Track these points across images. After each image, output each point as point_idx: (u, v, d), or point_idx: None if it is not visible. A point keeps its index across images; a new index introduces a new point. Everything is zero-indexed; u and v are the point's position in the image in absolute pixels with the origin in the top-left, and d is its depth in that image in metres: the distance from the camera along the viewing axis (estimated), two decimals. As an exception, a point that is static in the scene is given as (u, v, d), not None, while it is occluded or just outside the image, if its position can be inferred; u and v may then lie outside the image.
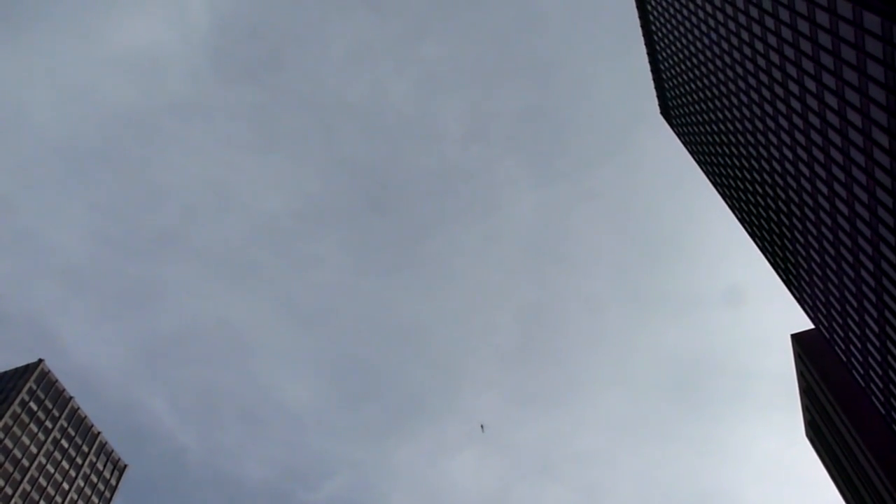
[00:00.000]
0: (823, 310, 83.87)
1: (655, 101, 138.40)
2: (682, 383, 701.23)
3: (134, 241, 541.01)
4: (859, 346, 75.01)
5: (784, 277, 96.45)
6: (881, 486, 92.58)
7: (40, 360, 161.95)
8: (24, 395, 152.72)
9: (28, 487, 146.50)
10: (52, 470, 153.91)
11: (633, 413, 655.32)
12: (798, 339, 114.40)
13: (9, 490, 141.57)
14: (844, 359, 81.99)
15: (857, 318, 73.02)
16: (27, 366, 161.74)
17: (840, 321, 78.90)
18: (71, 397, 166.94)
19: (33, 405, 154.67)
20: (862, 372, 77.19)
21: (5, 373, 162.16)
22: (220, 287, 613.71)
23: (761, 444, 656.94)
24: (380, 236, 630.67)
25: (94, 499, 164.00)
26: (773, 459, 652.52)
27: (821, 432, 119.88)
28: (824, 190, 71.03)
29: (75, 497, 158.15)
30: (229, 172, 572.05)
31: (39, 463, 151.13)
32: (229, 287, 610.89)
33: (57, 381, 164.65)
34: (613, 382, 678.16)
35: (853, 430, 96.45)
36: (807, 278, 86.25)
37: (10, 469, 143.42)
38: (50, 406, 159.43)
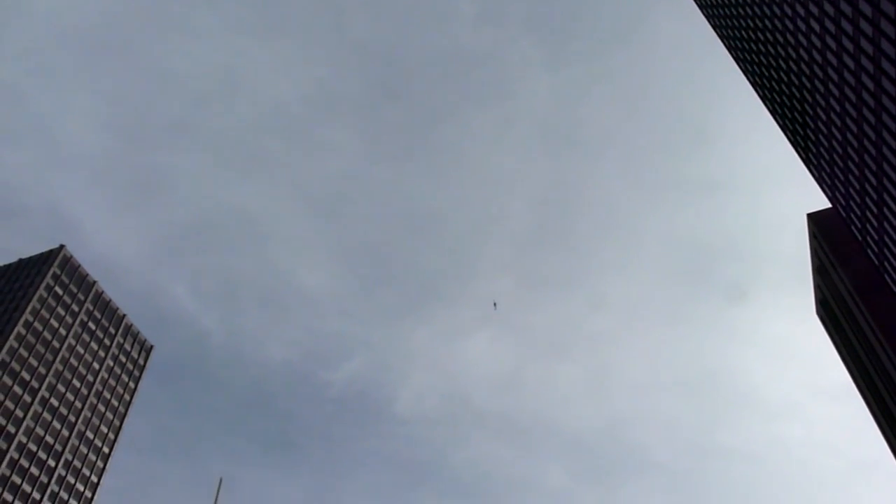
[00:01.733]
0: (842, 188, 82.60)
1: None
2: (694, 267, 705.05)
3: (145, 130, 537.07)
4: (875, 224, 74.28)
5: (804, 156, 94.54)
6: (889, 364, 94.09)
7: (62, 246, 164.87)
8: (48, 279, 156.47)
9: (61, 367, 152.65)
10: (81, 351, 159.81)
11: (643, 296, 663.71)
12: (814, 218, 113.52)
13: (42, 370, 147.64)
14: (860, 237, 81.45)
15: (875, 196, 71.90)
16: (49, 251, 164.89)
17: (858, 199, 77.83)
18: (94, 281, 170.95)
19: (58, 289, 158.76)
20: (876, 250, 76.82)
21: (29, 259, 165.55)
22: (234, 176, 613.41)
23: (770, 325, 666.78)
24: (392, 122, 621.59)
25: (125, 378, 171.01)
26: (781, 340, 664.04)
27: (831, 311, 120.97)
28: (851, 64, 68.28)
29: (106, 376, 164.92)
30: (238, 58, 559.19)
31: (69, 344, 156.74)
32: (242, 175, 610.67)
33: (80, 265, 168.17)
34: (625, 266, 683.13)
35: (864, 308, 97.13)
36: (827, 156, 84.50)
37: (42, 350, 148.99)
38: (75, 290, 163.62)
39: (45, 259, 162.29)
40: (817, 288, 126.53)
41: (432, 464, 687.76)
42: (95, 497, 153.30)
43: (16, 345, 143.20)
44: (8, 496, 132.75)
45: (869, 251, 79.71)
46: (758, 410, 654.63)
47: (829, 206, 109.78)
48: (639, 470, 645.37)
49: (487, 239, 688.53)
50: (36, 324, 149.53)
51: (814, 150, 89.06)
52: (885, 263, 75.18)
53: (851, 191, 79.29)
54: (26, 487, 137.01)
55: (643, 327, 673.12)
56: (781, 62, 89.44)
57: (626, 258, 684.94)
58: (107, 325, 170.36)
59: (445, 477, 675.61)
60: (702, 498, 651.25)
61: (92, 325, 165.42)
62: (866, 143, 70.06)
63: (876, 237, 75.47)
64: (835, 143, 79.90)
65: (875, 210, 73.15)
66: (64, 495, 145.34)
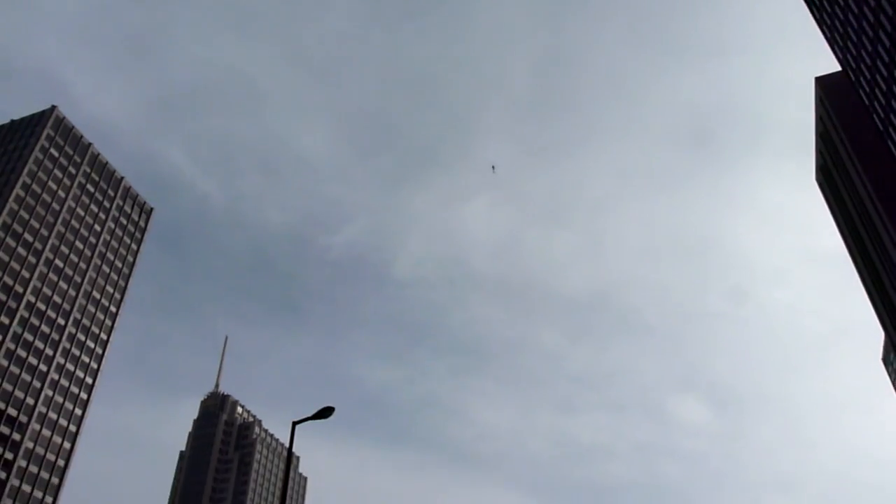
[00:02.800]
0: (853, 50, 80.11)
1: None
2: (696, 132, 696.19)
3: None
4: (884, 89, 72.62)
5: (817, 16, 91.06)
6: (883, 229, 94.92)
7: (53, 107, 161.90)
8: (42, 141, 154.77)
9: (62, 229, 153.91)
10: (81, 213, 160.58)
11: (643, 162, 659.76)
12: (822, 82, 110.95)
13: (44, 231, 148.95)
14: (867, 102, 79.93)
15: (886, 58, 69.86)
16: (41, 112, 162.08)
17: (869, 62, 75.67)
18: (90, 143, 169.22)
19: (54, 151, 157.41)
20: (882, 116, 75.59)
21: (21, 119, 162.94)
22: (229, 36, 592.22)
23: (768, 191, 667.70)
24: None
25: (126, 240, 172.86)
26: (777, 206, 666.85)
27: (831, 177, 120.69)
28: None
29: (108, 238, 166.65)
30: None
31: (69, 206, 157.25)
32: (238, 35, 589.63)
33: (74, 127, 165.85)
34: (626, 132, 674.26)
35: (864, 175, 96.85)
36: (841, 15, 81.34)
37: (42, 213, 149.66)
38: (70, 152, 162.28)
39: (38, 120, 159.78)
40: (819, 154, 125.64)
41: (431, 325, 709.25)
42: (106, 353, 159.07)
43: (15, 207, 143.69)
44: (21, 352, 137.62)
45: (875, 117, 78.44)
46: (748, 276, 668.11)
47: (839, 69, 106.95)
48: (629, 332, 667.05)
49: (487, 104, 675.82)
50: (34, 186, 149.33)
51: (828, 10, 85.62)
52: (890, 130, 74.17)
53: (863, 53, 76.95)
54: (39, 344, 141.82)
55: (641, 194, 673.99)
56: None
57: (627, 124, 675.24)
58: (105, 187, 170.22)
59: (443, 337, 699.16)
60: (687, 358, 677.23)
61: (90, 188, 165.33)
62: (883, 2, 67.24)
63: (883, 103, 74.02)
64: (850, 1, 76.71)
65: (885, 74, 71.29)
66: (76, 352, 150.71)
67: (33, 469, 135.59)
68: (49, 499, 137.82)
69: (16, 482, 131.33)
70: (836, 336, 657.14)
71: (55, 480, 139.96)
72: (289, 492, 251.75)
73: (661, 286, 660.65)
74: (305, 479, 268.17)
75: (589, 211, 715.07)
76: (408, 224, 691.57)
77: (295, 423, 27.91)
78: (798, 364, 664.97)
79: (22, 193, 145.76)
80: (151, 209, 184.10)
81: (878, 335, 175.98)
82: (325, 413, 27.88)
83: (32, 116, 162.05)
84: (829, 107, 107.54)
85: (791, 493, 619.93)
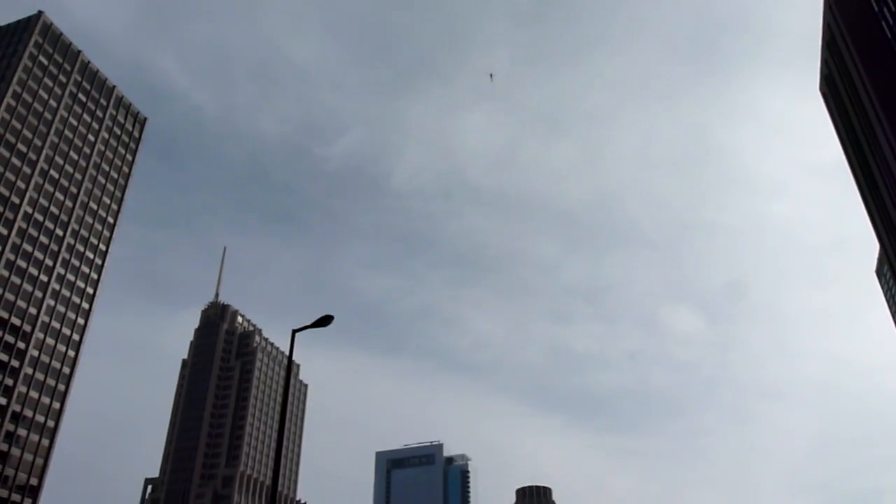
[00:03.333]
0: (866, -46, 77.33)
1: None
2: (697, 42, 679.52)
3: None
4: (896, -6, 70.50)
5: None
6: (885, 141, 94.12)
7: (40, 13, 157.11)
8: (31, 48, 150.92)
9: (56, 139, 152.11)
10: (74, 122, 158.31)
11: (643, 73, 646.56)
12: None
13: (37, 142, 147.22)
14: (876, 9, 77.79)
15: (900, -37, 67.51)
16: (27, 18, 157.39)
17: (881, -33, 73.18)
18: (79, 51, 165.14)
19: (43, 59, 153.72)
20: (892, 23, 73.71)
21: (6, 26, 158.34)
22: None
23: (770, 102, 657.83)
24: None
25: (121, 150, 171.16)
26: (779, 117, 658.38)
27: (835, 87, 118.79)
28: None
29: (102, 148, 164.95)
30: None
31: (61, 116, 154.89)
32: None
33: (62, 33, 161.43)
34: (627, 41, 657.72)
35: (869, 85, 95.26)
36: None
37: (35, 122, 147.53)
38: (60, 60, 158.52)
39: (24, 27, 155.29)
40: (824, 63, 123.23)
41: (427, 236, 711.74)
42: (105, 264, 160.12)
43: (7, 116, 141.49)
44: (21, 263, 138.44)
45: (883, 24, 76.50)
46: (746, 188, 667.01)
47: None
48: (625, 243, 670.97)
49: (486, 11, 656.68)
50: (24, 95, 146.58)
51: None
52: (899, 37, 72.43)
53: (876, -43, 74.33)
54: (38, 255, 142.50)
55: (642, 104, 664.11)
56: None
57: (628, 34, 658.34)
58: (97, 96, 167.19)
59: (440, 248, 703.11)
60: (682, 269, 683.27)
61: (82, 97, 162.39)
62: None
63: (893, 10, 72.00)
64: None
65: (898, -22, 69.05)
66: (75, 262, 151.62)
67: (39, 376, 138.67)
68: (56, 404, 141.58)
69: (23, 389, 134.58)
70: (832, 249, 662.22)
71: (61, 387, 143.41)
72: (290, 398, 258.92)
73: (659, 197, 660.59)
74: (306, 385, 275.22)
75: (588, 121, 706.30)
76: (405, 135, 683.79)
77: (295, 332, 28.34)
78: (792, 276, 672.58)
79: (13, 103, 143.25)
80: (145, 119, 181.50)
81: (872, 248, 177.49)
82: (324, 321, 28.27)
83: (18, 23, 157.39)
84: (837, 13, 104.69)
85: (777, 401, 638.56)
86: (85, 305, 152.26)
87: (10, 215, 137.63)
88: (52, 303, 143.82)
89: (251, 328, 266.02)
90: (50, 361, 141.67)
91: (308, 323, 28.54)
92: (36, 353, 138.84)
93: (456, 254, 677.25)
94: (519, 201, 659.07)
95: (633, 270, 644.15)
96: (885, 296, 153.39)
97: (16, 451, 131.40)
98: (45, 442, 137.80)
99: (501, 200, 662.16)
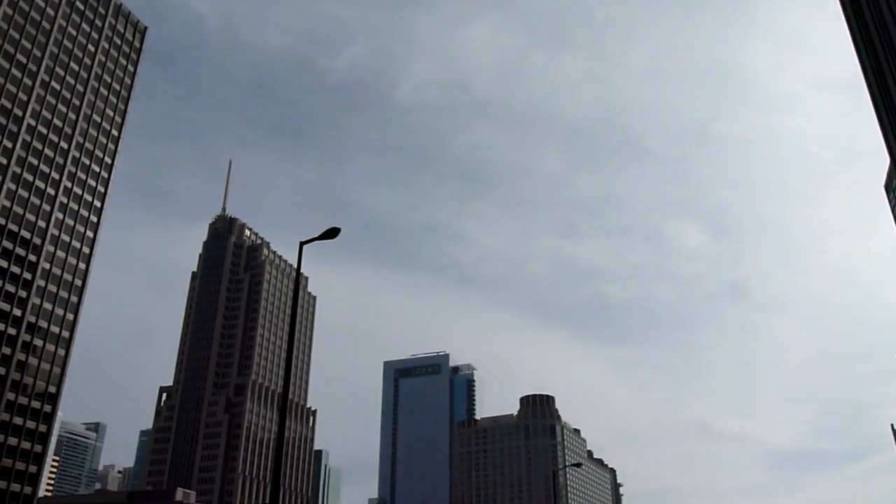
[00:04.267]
0: None
1: None
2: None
3: None
4: None
5: None
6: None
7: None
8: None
9: (55, 50, 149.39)
10: (73, 32, 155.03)
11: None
12: None
13: (37, 52, 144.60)
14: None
15: None
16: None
17: None
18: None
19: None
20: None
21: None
22: None
23: (786, 12, 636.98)
24: None
25: (122, 60, 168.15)
26: (794, 28, 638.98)
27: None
28: None
29: (103, 59, 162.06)
30: None
31: (60, 26, 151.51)
32: None
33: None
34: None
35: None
36: None
37: (33, 32, 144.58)
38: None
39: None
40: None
41: (433, 150, 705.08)
42: (111, 177, 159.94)
43: (4, 26, 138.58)
44: (28, 176, 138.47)
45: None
46: (757, 102, 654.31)
47: None
48: (632, 158, 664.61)
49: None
50: (21, 3, 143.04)
51: None
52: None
53: None
54: (44, 168, 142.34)
55: (652, 15, 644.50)
56: None
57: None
58: (95, 4, 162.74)
59: (446, 163, 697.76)
60: (689, 183, 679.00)
61: (79, 5, 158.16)
62: None
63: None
64: None
65: None
66: (81, 175, 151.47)
67: (52, 288, 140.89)
68: (70, 316, 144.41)
69: (37, 300, 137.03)
70: (841, 164, 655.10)
71: (74, 299, 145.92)
72: (299, 310, 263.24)
73: (668, 111, 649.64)
74: (315, 298, 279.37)
75: (597, 32, 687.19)
76: (410, 46, 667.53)
77: (302, 244, 28.63)
78: (799, 191, 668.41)
79: (10, 11, 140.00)
80: (145, 28, 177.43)
81: (882, 164, 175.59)
82: (331, 233, 28.51)
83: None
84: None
85: (778, 314, 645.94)
86: (93, 218, 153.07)
87: (13, 127, 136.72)
88: (60, 216, 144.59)
89: (259, 241, 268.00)
90: (62, 274, 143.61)
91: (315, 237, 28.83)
92: (47, 265, 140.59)
93: (462, 168, 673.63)
94: (525, 115, 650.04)
95: (640, 185, 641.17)
96: (894, 211, 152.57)
97: (33, 361, 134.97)
98: (61, 352, 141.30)
99: (508, 114, 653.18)
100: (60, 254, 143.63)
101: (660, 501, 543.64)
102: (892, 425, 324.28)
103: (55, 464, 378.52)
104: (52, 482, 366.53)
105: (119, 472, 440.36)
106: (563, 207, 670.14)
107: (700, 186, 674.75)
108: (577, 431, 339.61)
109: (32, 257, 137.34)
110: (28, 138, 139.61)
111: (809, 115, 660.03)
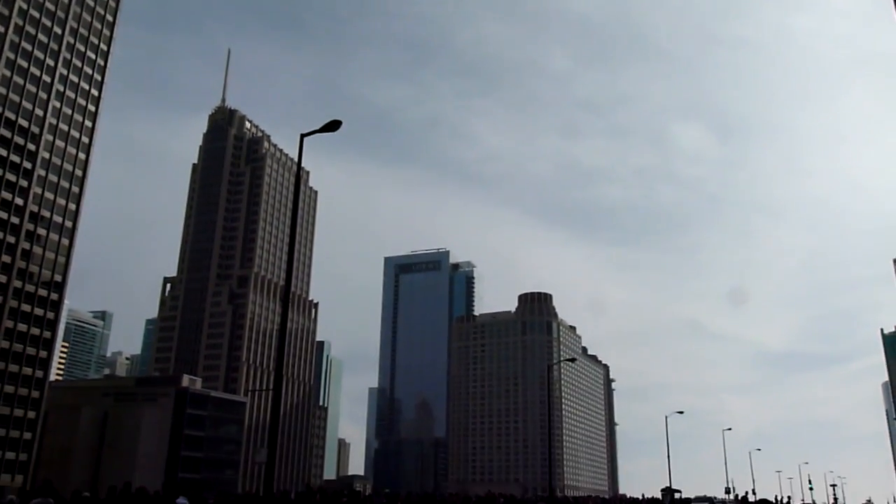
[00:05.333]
0: None
1: None
2: None
3: None
4: None
5: None
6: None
7: None
8: None
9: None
10: None
11: None
12: None
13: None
14: None
15: None
16: None
17: None
18: None
19: None
20: None
21: None
22: None
23: None
24: None
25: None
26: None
27: None
28: None
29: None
30: None
31: None
32: None
33: None
34: None
35: None
36: None
37: None
38: None
39: None
40: None
41: (437, 43, 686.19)
42: (108, 65, 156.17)
43: None
44: (22, 62, 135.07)
45: None
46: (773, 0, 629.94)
47: None
48: (641, 55, 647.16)
49: None
50: None
51: None
52: None
53: None
54: (38, 54, 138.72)
55: None
56: None
57: None
58: None
59: (450, 57, 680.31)
60: (698, 84, 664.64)
61: None
62: None
63: None
64: None
65: None
66: (77, 62, 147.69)
67: (53, 178, 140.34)
68: (72, 205, 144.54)
69: (38, 190, 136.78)
70: (856, 66, 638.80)
71: (75, 189, 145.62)
72: (300, 204, 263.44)
73: (680, 7, 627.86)
74: (316, 192, 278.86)
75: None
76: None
77: (303, 136, 28.23)
78: (811, 93, 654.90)
79: None
80: None
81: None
82: (332, 126, 28.08)
83: None
84: None
85: (778, 217, 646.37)
86: (91, 107, 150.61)
87: (4, 10, 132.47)
88: (57, 104, 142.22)
89: (260, 134, 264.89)
90: (62, 164, 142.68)
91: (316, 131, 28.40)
92: (47, 154, 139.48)
93: (466, 63, 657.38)
94: (534, 6, 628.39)
95: (647, 84, 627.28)
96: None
97: (38, 250, 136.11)
98: (65, 241, 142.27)
99: (515, 5, 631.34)
100: (60, 143, 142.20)
101: (650, 395, 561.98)
102: (881, 329, 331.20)
103: (65, 350, 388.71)
104: (62, 367, 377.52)
105: (127, 358, 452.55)
106: (569, 107, 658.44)
107: (709, 87, 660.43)
108: (572, 328, 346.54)
109: (31, 146, 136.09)
110: (20, 22, 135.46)
111: (826, 13, 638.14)
